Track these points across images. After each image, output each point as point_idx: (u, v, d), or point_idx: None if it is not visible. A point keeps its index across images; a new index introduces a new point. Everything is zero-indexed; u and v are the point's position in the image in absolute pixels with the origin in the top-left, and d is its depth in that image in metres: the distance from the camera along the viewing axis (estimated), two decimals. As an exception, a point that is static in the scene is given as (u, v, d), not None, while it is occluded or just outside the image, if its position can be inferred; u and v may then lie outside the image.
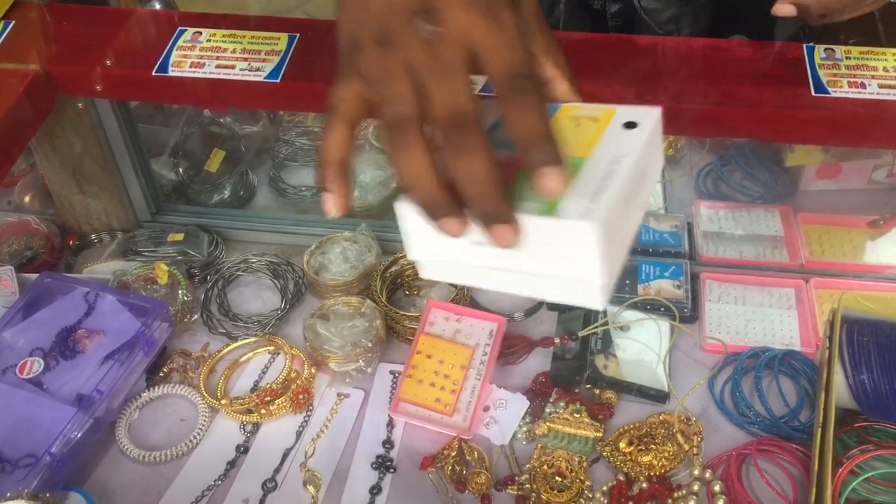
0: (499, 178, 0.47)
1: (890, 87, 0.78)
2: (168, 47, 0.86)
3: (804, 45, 0.83)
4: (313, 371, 0.92)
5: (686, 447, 0.82)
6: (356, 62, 0.50)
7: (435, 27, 0.47)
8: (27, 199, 1.14)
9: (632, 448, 0.83)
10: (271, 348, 0.95)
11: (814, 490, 0.73)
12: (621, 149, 0.53)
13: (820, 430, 0.74)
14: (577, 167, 0.51)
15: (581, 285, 0.51)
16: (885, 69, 0.80)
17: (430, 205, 0.47)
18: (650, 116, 0.56)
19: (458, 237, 0.49)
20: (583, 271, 0.50)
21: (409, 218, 0.51)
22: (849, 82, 0.79)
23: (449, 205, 0.47)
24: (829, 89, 0.79)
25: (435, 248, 0.53)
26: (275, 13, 1.59)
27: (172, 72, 0.84)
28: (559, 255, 0.50)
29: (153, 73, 0.84)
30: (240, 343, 0.95)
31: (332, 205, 0.50)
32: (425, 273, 0.55)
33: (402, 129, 0.47)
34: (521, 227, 0.48)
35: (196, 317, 0.98)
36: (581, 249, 0.49)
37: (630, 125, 0.56)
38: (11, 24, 0.90)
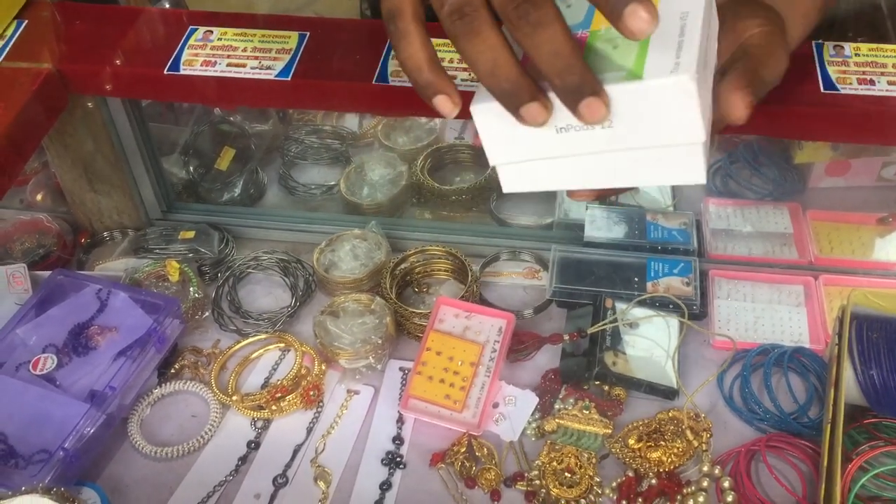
0: (579, 48, 0.44)
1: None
2: (179, 46, 0.87)
3: (813, 43, 0.83)
4: (323, 368, 0.92)
5: (695, 443, 0.83)
6: None
7: None
8: (39, 197, 1.15)
9: (641, 444, 0.83)
10: (282, 345, 0.96)
11: (823, 486, 0.73)
12: (685, 4, 0.49)
13: (829, 426, 0.75)
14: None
15: (681, 153, 0.47)
16: (894, 66, 0.80)
17: (512, 91, 0.45)
18: None
19: (542, 124, 0.46)
20: (681, 133, 0.47)
21: (487, 118, 0.49)
22: (858, 79, 0.79)
23: (531, 88, 0.45)
24: (839, 86, 0.79)
25: (518, 148, 0.50)
26: (283, 12, 1.60)
27: (184, 70, 0.85)
28: (654, 123, 0.47)
29: (165, 72, 0.85)
30: (250, 340, 0.96)
31: (447, 105, 0.48)
32: (508, 184, 0.52)
33: (469, 15, 0.45)
34: (613, 96, 0.45)
35: (207, 314, 0.99)
36: (677, 109, 0.46)
37: None
38: (24, 24, 0.91)
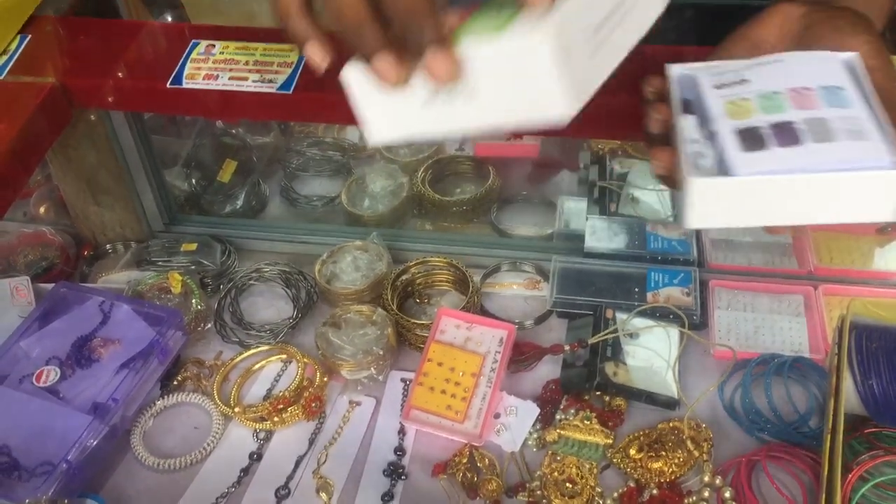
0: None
1: None
2: (182, 59, 0.88)
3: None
4: (325, 379, 0.93)
5: (696, 454, 0.83)
6: None
7: None
8: (42, 210, 1.16)
9: (642, 454, 0.83)
10: (284, 356, 0.96)
11: (823, 496, 0.73)
12: None
13: (829, 435, 0.75)
14: None
15: (542, 105, 0.46)
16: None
17: (360, 32, 0.44)
18: None
19: (396, 83, 0.45)
20: (540, 99, 0.46)
21: (355, 81, 0.49)
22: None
23: (380, 37, 0.43)
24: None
25: (385, 111, 0.50)
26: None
27: (187, 84, 0.86)
28: (513, 85, 0.46)
29: (168, 86, 0.86)
30: (253, 351, 0.96)
31: (316, 53, 0.48)
32: (373, 135, 0.52)
33: None
34: (470, 59, 0.45)
35: (209, 326, 0.99)
36: (533, 72, 0.45)
37: None
38: (28, 38, 0.92)
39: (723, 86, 0.57)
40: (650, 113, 0.59)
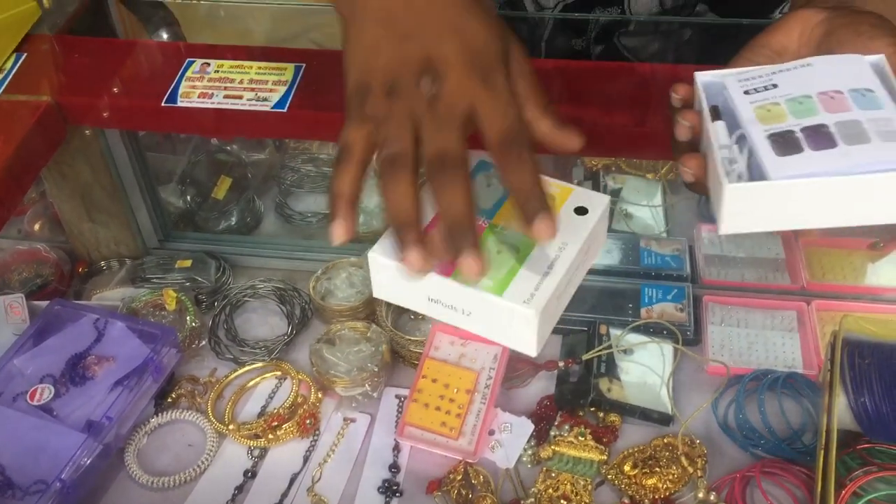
0: (474, 213, 0.52)
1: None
2: (177, 78, 0.88)
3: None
4: (320, 396, 0.93)
5: (690, 470, 0.83)
6: (366, 106, 0.56)
7: (437, 87, 0.54)
8: (37, 227, 1.16)
9: (636, 471, 0.84)
10: (278, 373, 0.96)
11: (817, 512, 0.73)
12: (569, 235, 0.61)
13: (822, 452, 0.75)
14: (529, 248, 0.60)
15: (517, 344, 0.60)
16: None
17: (405, 229, 0.52)
18: (600, 203, 0.63)
19: (419, 272, 0.54)
20: (519, 342, 0.59)
21: (378, 263, 0.60)
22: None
23: (419, 236, 0.52)
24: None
25: (398, 296, 0.62)
26: (280, 40, 1.61)
27: (181, 102, 0.86)
28: (501, 327, 0.59)
29: (163, 104, 0.86)
30: (247, 368, 0.96)
31: (340, 232, 0.55)
32: (378, 294, 0.63)
33: (396, 164, 0.53)
34: (475, 297, 0.57)
35: (204, 342, 0.99)
36: (520, 327, 0.58)
37: (581, 210, 0.63)
38: (23, 57, 0.92)
39: (751, 91, 0.58)
40: (678, 120, 0.60)
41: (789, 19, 0.61)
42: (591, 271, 1.02)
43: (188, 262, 1.05)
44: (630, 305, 0.98)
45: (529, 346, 0.60)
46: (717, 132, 0.57)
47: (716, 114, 0.58)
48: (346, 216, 0.55)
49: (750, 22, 0.92)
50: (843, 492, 0.77)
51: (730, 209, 0.54)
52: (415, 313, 1.02)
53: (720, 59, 0.63)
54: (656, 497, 0.82)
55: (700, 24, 1.01)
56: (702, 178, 0.58)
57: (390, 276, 0.62)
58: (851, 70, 0.57)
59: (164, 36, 1.47)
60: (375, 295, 0.65)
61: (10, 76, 0.90)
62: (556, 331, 0.98)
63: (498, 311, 0.59)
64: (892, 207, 0.53)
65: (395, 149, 0.53)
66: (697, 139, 0.59)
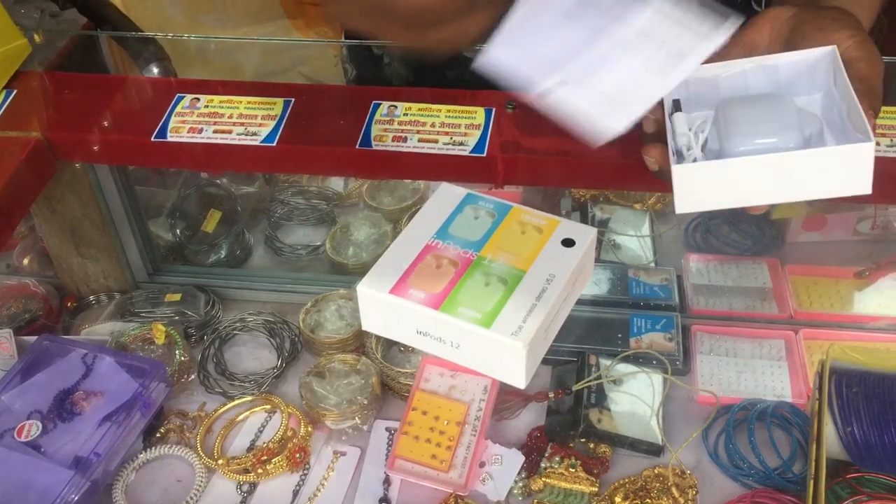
0: None
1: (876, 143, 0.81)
2: (167, 113, 0.89)
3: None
4: (310, 429, 0.92)
5: (681, 500, 0.83)
6: None
7: None
8: (26, 261, 1.16)
9: (627, 502, 0.83)
10: (268, 407, 0.96)
11: (808, 542, 0.73)
12: (557, 267, 0.63)
13: (812, 482, 0.75)
14: (517, 280, 0.62)
15: (506, 376, 0.61)
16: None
17: None
18: (586, 235, 0.66)
19: None
20: (508, 374, 0.61)
21: (366, 296, 0.63)
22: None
23: None
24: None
25: (386, 329, 0.64)
26: (270, 73, 1.62)
27: (171, 137, 0.86)
28: (490, 360, 0.60)
29: (152, 139, 0.86)
30: (236, 402, 0.96)
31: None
32: (365, 325, 0.66)
33: None
34: (463, 330, 0.59)
35: (193, 376, 0.99)
36: (509, 359, 0.59)
37: (568, 243, 0.65)
38: (13, 94, 0.93)
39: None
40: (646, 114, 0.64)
41: (762, 17, 0.65)
42: (580, 301, 1.03)
43: (177, 296, 1.05)
44: (619, 335, 0.99)
45: (518, 378, 0.61)
46: (675, 121, 0.61)
47: (677, 107, 0.62)
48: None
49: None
50: (834, 521, 0.77)
51: (680, 189, 0.58)
52: (404, 346, 1.02)
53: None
54: (647, 528, 0.82)
55: None
56: (665, 165, 0.61)
57: (379, 309, 0.63)
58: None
59: (155, 71, 1.48)
60: (364, 328, 0.66)
61: (1, 112, 0.90)
62: (545, 361, 0.99)
63: (486, 344, 0.59)
64: (834, 181, 0.56)
65: None
66: (663, 131, 0.63)
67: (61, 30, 1.17)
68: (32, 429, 0.87)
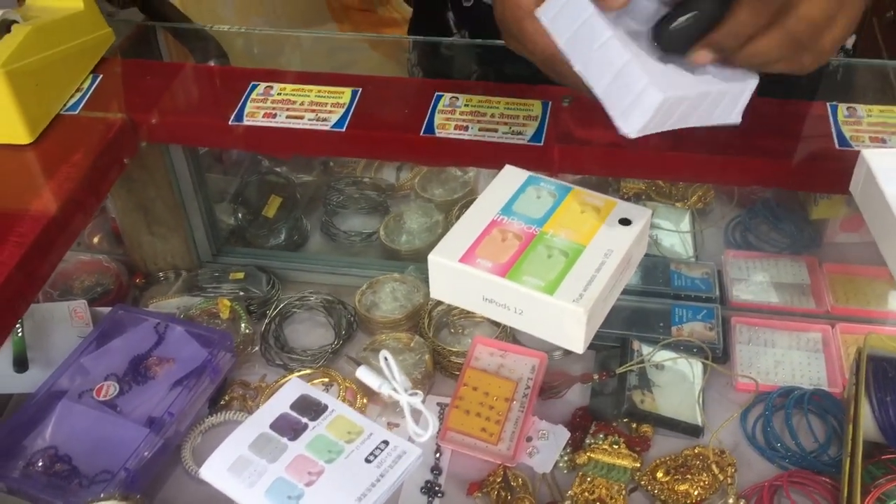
0: None
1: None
2: (242, 99, 0.95)
3: (828, 104, 0.90)
4: (365, 402, 0.97)
5: (721, 477, 0.87)
6: None
7: None
8: (96, 240, 1.22)
9: (668, 477, 0.87)
10: (326, 380, 1.01)
11: (843, 517, 0.77)
12: (614, 243, 0.68)
13: (848, 459, 0.79)
14: (578, 253, 0.66)
15: (565, 341, 0.66)
16: (905, 126, 0.87)
17: None
18: (642, 215, 0.70)
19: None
20: (568, 339, 0.65)
21: (437, 265, 0.67)
22: (870, 137, 0.86)
23: None
24: (853, 143, 0.85)
25: (454, 296, 0.69)
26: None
27: (247, 121, 0.92)
28: (551, 323, 0.65)
29: (230, 123, 0.92)
30: (295, 374, 1.01)
31: None
32: (435, 292, 0.70)
33: None
34: (528, 296, 0.64)
35: (255, 349, 1.05)
36: (569, 324, 0.64)
37: (625, 222, 0.69)
38: (100, 78, 0.99)
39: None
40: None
41: None
42: (625, 291, 1.07)
43: (241, 275, 1.11)
44: (661, 324, 1.03)
45: (577, 343, 0.65)
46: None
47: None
48: None
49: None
50: (868, 498, 0.81)
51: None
52: (455, 327, 1.07)
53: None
54: (688, 502, 0.85)
55: None
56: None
57: (448, 277, 0.68)
58: None
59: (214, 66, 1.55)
60: (433, 296, 0.71)
61: (88, 95, 0.97)
62: (590, 346, 1.03)
63: (549, 310, 0.64)
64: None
65: None
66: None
67: (126, 20, 1.23)
68: (110, 389, 0.93)
